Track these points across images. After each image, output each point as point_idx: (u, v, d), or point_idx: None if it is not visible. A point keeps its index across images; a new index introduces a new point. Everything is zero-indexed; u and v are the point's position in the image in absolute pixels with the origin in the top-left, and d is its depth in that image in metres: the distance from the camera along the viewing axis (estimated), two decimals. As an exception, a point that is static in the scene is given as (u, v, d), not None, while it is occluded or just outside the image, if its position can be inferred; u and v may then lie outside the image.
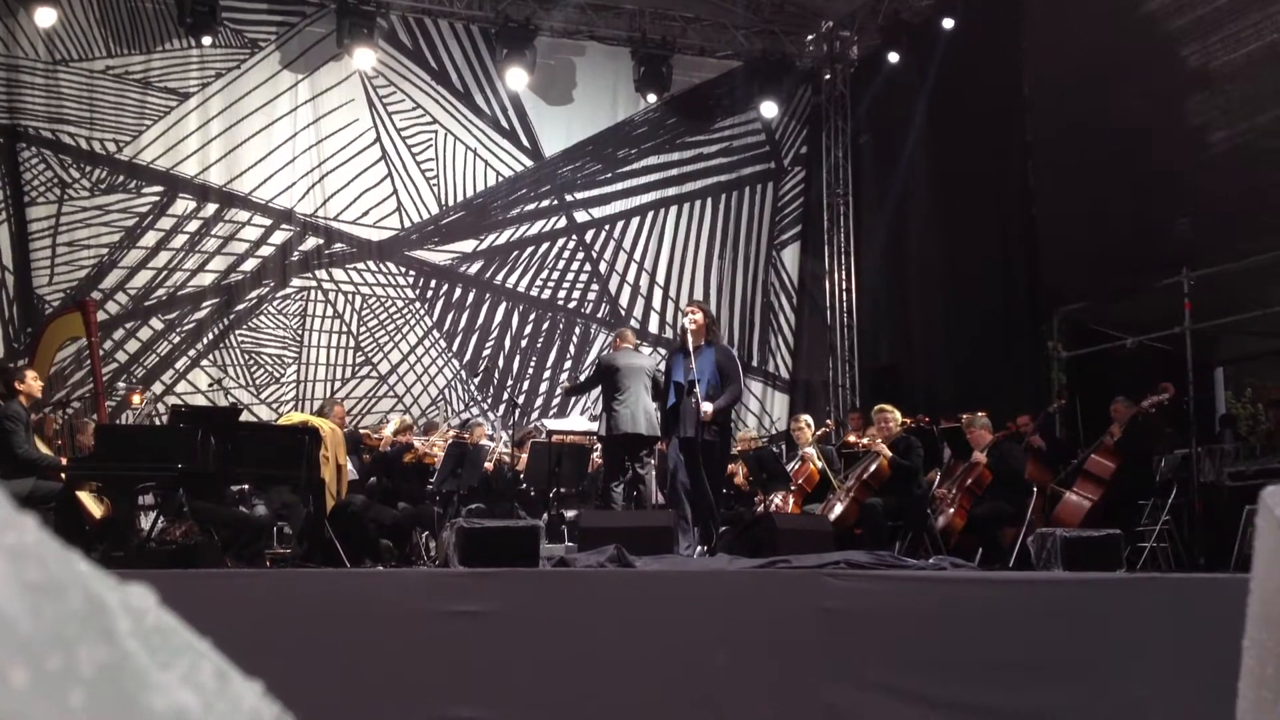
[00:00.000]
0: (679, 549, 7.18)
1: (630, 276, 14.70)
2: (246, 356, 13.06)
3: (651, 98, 14.39)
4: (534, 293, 14.28)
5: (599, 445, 10.51)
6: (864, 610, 4.97)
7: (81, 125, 12.59)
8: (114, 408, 11.79)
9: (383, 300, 13.66)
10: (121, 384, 12.44)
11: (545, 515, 9.93)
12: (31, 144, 12.38)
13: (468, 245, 14.07)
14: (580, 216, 14.55)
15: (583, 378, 9.61)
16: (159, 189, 12.82)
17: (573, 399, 13.62)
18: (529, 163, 14.36)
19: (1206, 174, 10.40)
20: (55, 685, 0.49)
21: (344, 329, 13.47)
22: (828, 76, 15.48)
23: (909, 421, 9.45)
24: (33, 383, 7.84)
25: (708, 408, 7.90)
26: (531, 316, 14.24)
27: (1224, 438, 10.39)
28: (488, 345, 14.02)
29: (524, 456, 10.47)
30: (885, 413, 9.44)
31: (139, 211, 12.73)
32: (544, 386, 14.18)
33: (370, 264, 13.62)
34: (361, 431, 10.20)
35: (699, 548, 7.88)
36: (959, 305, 13.10)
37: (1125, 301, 11.28)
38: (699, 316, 8.31)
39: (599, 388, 9.29)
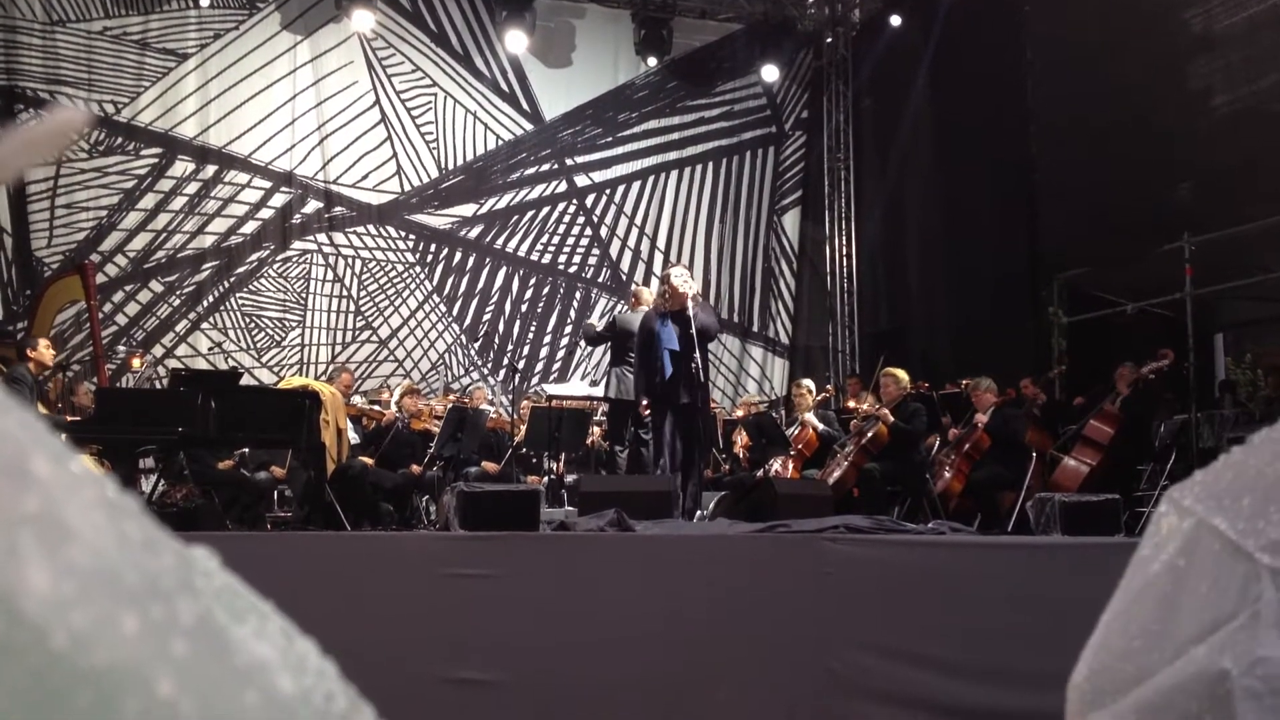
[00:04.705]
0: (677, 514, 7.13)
1: (631, 241, 14.67)
2: (247, 320, 13.05)
3: (652, 61, 14.32)
4: (534, 257, 14.26)
5: (601, 409, 10.46)
6: (863, 574, 4.98)
7: (79, 86, 12.52)
8: (114, 371, 11.79)
9: (383, 264, 13.63)
10: (121, 347, 12.44)
11: (545, 479, 9.93)
12: (29, 105, 12.32)
13: (467, 209, 14.03)
14: (580, 180, 14.50)
15: (600, 326, 9.24)
16: (157, 151, 12.77)
17: (578, 352, 13.67)
18: (529, 126, 14.30)
19: (1208, 138, 10.35)
20: (161, 633, 0.52)
21: (344, 293, 13.45)
22: (829, 40, 15.37)
23: (911, 388, 9.43)
24: (44, 351, 7.89)
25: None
26: (532, 281, 14.22)
27: (1223, 403, 10.40)
28: (488, 310, 14.01)
29: (523, 427, 10.45)
30: (890, 376, 9.39)
31: (137, 173, 12.68)
32: (544, 351, 14.19)
33: (370, 228, 13.58)
34: (370, 407, 10.18)
35: (699, 512, 7.85)
36: (959, 270, 13.07)
37: (1126, 267, 11.25)
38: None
39: (609, 347, 9.12)
